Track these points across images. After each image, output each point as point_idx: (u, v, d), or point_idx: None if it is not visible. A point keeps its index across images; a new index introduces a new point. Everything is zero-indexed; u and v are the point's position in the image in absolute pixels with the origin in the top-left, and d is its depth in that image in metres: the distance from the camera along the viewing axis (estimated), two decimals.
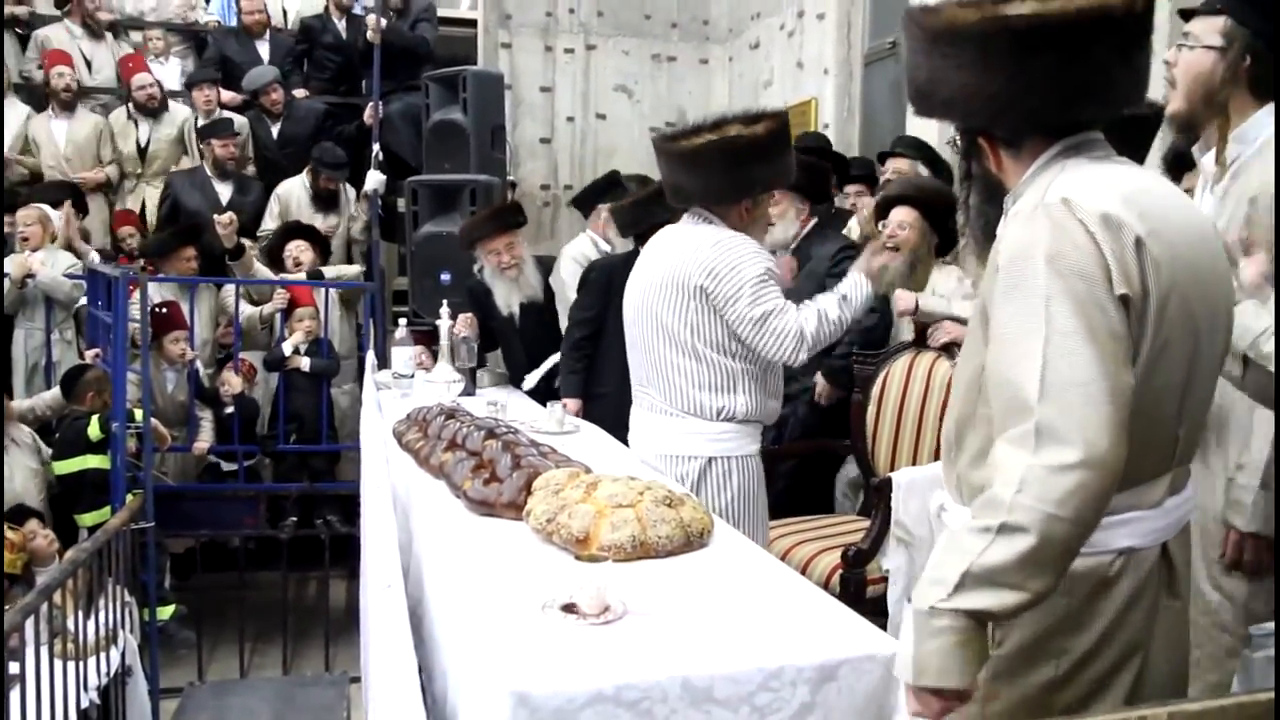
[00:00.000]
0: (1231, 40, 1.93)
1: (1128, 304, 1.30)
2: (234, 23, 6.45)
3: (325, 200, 5.65)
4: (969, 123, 1.47)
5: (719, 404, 2.54)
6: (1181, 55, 1.98)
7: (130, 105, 5.82)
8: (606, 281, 3.56)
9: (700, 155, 2.46)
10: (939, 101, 1.44)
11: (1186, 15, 2.04)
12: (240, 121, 5.93)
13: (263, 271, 5.24)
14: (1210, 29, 1.95)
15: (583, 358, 3.61)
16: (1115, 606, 1.39)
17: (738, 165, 2.47)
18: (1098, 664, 1.40)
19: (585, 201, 5.38)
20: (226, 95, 6.03)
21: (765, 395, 2.60)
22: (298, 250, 5.24)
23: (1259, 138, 1.93)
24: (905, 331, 3.55)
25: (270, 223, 5.63)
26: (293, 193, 5.67)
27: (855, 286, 2.57)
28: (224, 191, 5.63)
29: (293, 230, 5.35)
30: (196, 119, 5.89)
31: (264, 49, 6.28)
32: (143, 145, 5.84)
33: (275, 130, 6.00)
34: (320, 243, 5.39)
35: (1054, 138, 1.42)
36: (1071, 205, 1.31)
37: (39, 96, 5.85)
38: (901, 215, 3.42)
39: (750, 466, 2.61)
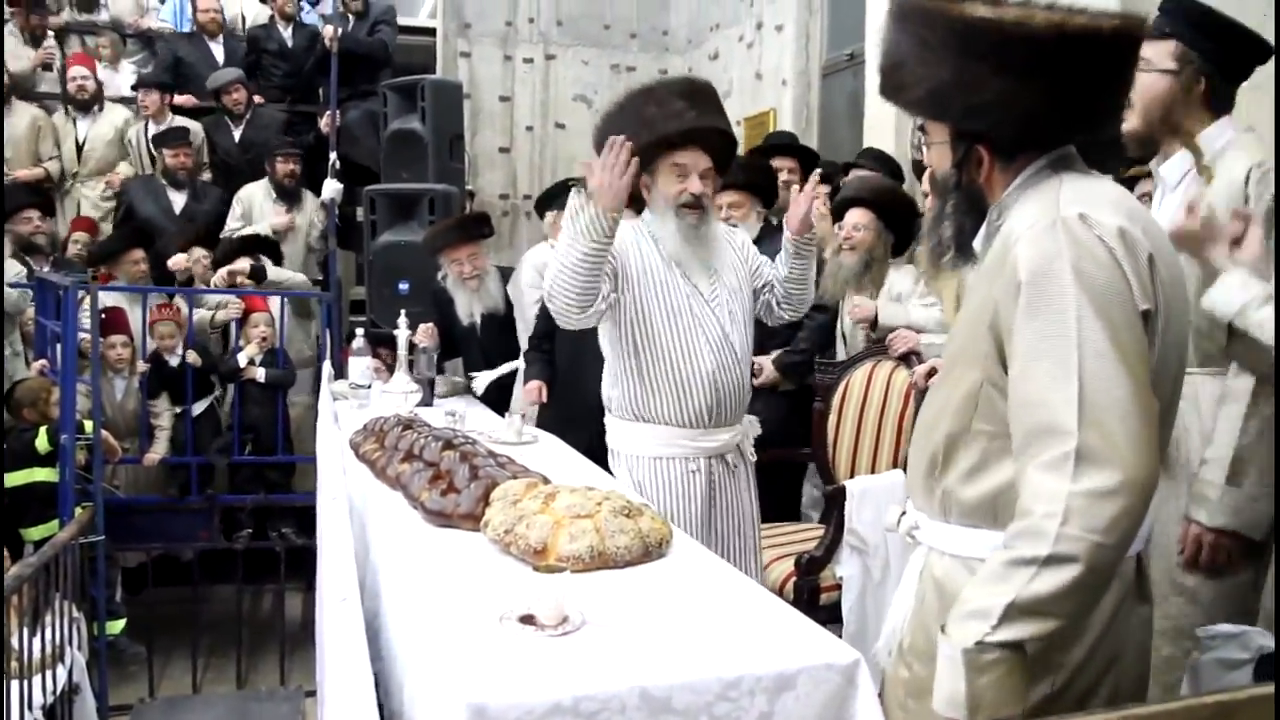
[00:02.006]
0: (1184, 65, 2.03)
1: (1148, 319, 1.31)
2: (186, 28, 6.38)
3: (288, 194, 5.57)
4: (981, 127, 1.42)
5: (606, 395, 2.66)
6: (1137, 78, 2.04)
7: (65, 99, 5.75)
8: None
9: None
10: (964, 105, 1.39)
11: None
12: (195, 129, 5.85)
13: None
14: (1163, 53, 2.04)
15: (543, 351, 3.65)
16: (1103, 618, 1.39)
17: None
18: (1085, 675, 1.40)
19: (540, 207, 5.37)
20: (181, 99, 5.95)
21: (644, 389, 2.52)
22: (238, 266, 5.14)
23: (1220, 140, 2.04)
24: (856, 337, 3.58)
25: (233, 224, 5.56)
26: (255, 194, 5.61)
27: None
28: (178, 200, 5.57)
29: (251, 243, 5.27)
30: (147, 124, 5.81)
31: (218, 51, 6.22)
32: (80, 143, 5.75)
33: (237, 134, 5.93)
34: (276, 256, 5.32)
35: (1044, 151, 1.43)
36: (1090, 221, 1.31)
37: None
38: (857, 217, 3.48)
39: (645, 465, 2.55)
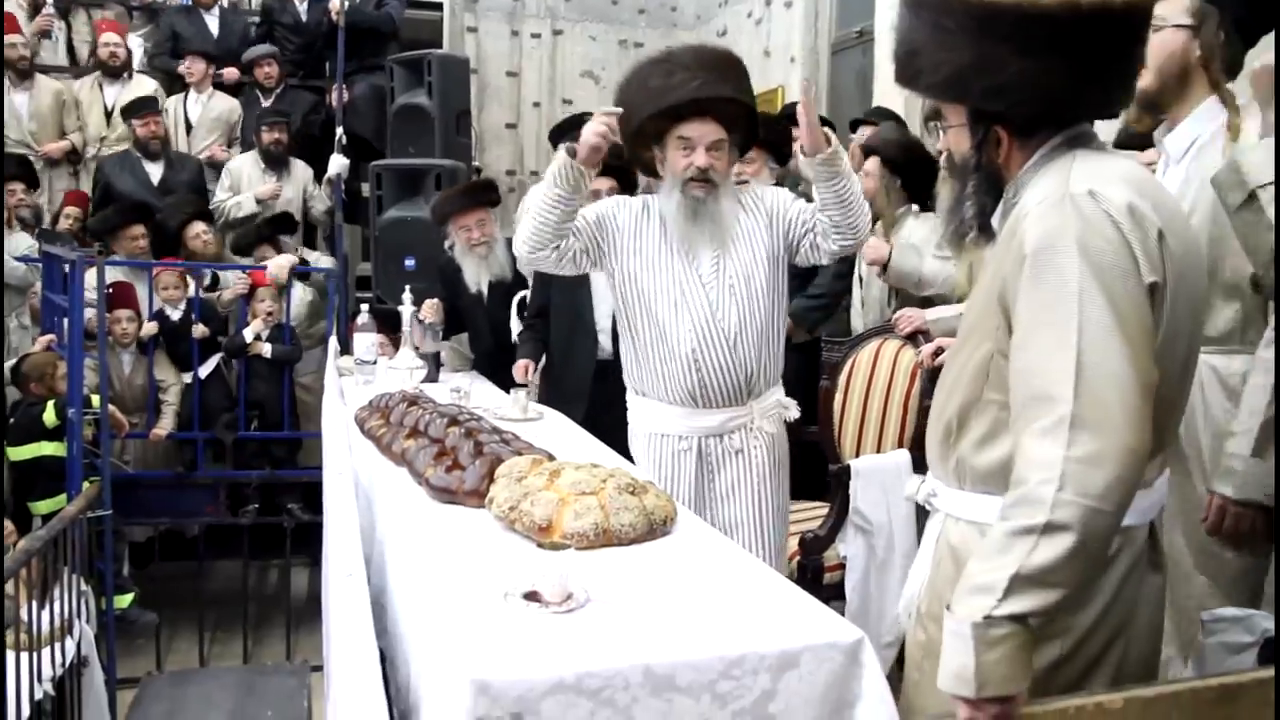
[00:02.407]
0: (1202, 19, 1.98)
1: (1155, 292, 1.33)
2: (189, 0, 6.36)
3: (276, 161, 5.54)
4: (1000, 107, 1.44)
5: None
6: (1151, 36, 2.01)
7: (96, 66, 5.73)
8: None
9: None
10: (984, 87, 1.41)
11: None
12: (232, 105, 5.86)
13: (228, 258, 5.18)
14: (1177, 8, 1.99)
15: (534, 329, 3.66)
16: (1113, 583, 1.42)
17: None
18: (1095, 640, 1.43)
19: (554, 138, 5.29)
20: (225, 70, 5.96)
21: (638, 365, 2.57)
22: (202, 232, 5.15)
23: (1216, 119, 1.99)
24: (872, 287, 3.57)
25: (221, 194, 5.53)
26: (243, 165, 5.58)
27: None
28: (154, 172, 5.49)
29: (273, 224, 5.26)
30: (187, 93, 5.83)
31: (213, 24, 6.18)
32: (108, 109, 5.72)
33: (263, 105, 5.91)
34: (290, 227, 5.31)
35: (1060, 128, 1.45)
36: (1098, 197, 1.33)
37: None
38: (867, 165, 3.48)
39: (641, 440, 2.60)
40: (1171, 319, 1.38)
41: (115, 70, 5.73)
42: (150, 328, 4.76)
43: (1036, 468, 1.26)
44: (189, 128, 5.85)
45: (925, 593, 1.58)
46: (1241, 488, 1.93)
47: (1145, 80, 2.01)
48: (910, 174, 3.47)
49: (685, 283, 2.49)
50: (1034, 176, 1.44)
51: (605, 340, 3.42)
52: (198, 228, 5.17)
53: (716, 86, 2.42)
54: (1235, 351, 2.04)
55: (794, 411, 2.62)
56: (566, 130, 4.61)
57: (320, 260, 5.39)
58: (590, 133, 2.36)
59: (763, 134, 3.56)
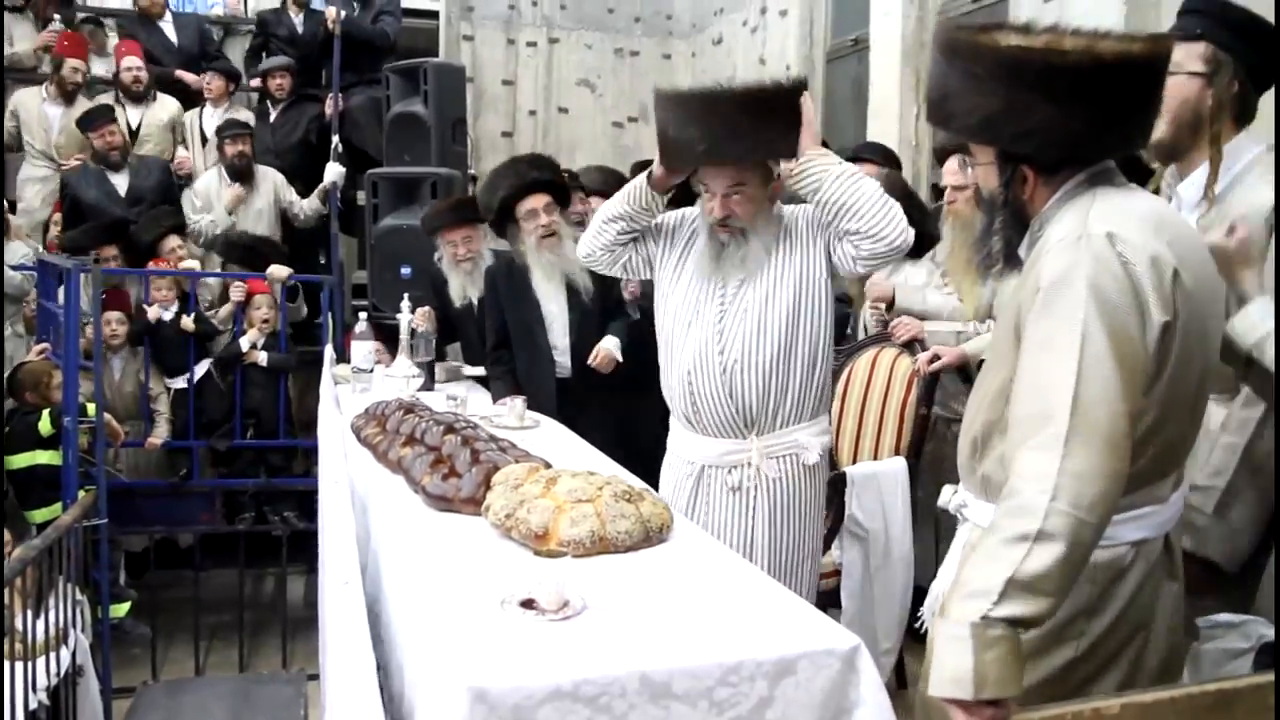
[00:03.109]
0: (1216, 67, 1.96)
1: (1167, 331, 1.42)
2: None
3: (240, 174, 5.48)
4: (1027, 150, 1.53)
5: None
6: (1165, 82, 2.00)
7: (118, 90, 5.72)
8: (491, 284, 3.60)
9: None
10: (1013, 131, 1.50)
11: None
12: (246, 118, 5.84)
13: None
14: (1191, 55, 1.96)
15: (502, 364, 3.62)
16: (1128, 591, 1.51)
17: None
18: (1110, 643, 1.52)
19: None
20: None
21: (662, 377, 2.53)
22: (178, 246, 5.12)
23: (1236, 164, 1.96)
24: (869, 323, 3.58)
25: (194, 216, 5.46)
26: (209, 184, 5.52)
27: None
28: (120, 182, 5.42)
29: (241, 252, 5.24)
30: (201, 110, 5.84)
31: (169, 30, 6.18)
32: (133, 128, 5.72)
33: (272, 116, 5.91)
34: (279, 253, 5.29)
35: (1083, 167, 1.54)
36: (1114, 239, 1.42)
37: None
38: None
39: (671, 459, 2.55)
40: (1183, 349, 1.45)
41: (138, 95, 5.72)
42: (156, 312, 4.75)
43: (1031, 479, 1.33)
44: (204, 140, 5.84)
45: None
46: (1200, 543, 1.95)
47: (1160, 130, 1.98)
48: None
49: (701, 304, 2.40)
50: (1057, 212, 1.53)
51: (563, 359, 3.43)
52: (173, 242, 5.13)
53: (721, 150, 2.27)
54: (1220, 400, 2.01)
55: (812, 455, 2.39)
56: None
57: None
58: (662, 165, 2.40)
59: None
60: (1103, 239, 1.42)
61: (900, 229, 2.24)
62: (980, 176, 1.64)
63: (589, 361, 3.32)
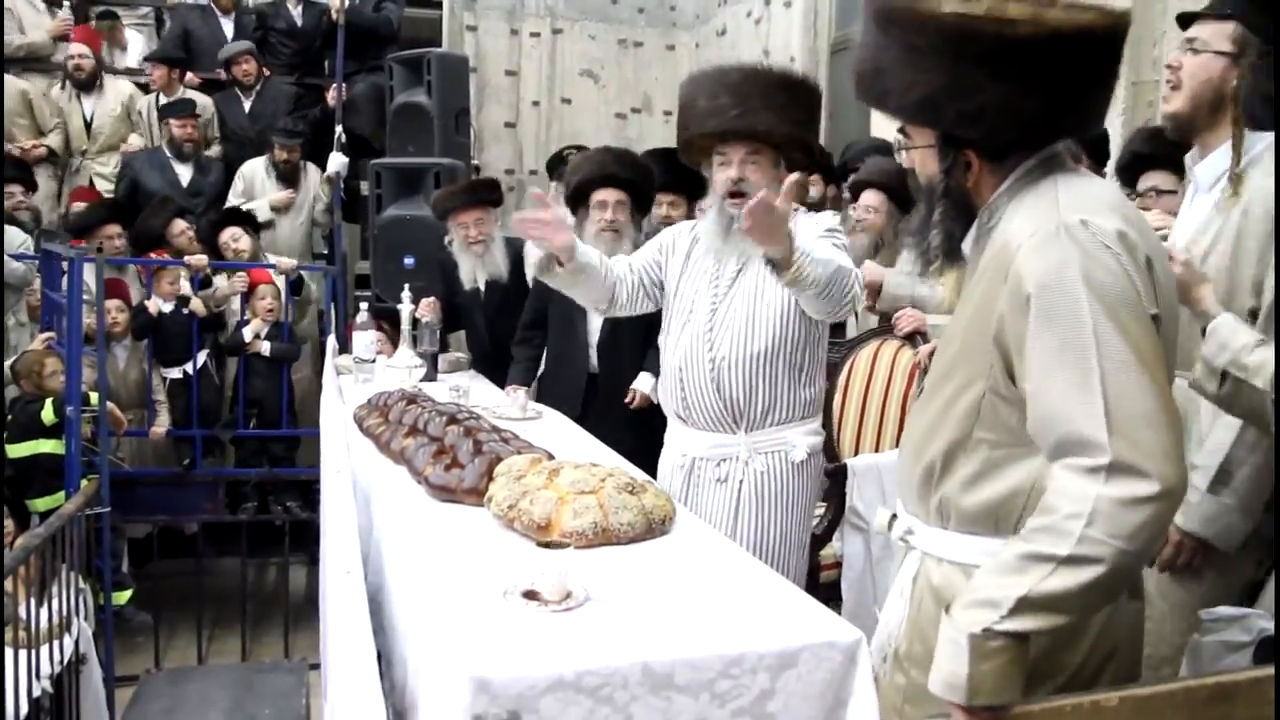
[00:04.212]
0: (1243, 47, 1.92)
1: (1156, 324, 1.30)
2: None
3: (286, 176, 5.56)
4: (974, 134, 1.39)
5: None
6: (1187, 59, 1.97)
7: (64, 77, 5.73)
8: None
9: None
10: (957, 112, 1.36)
11: (1185, 22, 2.01)
12: (203, 102, 5.82)
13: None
14: (1219, 35, 1.94)
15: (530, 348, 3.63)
16: (1101, 618, 1.40)
17: None
18: (1084, 674, 1.42)
19: (550, 172, 5.31)
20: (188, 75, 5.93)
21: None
22: (233, 238, 5.11)
23: (1253, 149, 1.94)
24: (867, 319, 3.58)
25: (234, 199, 5.54)
26: (256, 171, 5.59)
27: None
28: (184, 173, 5.54)
29: (227, 216, 5.23)
30: (157, 97, 5.79)
31: (228, 27, 6.18)
32: (87, 119, 5.72)
33: (247, 106, 5.90)
34: (256, 229, 5.29)
35: (1032, 152, 1.41)
36: (1092, 227, 1.29)
37: None
38: (871, 199, 3.48)
39: (667, 451, 2.56)
40: (1164, 346, 1.35)
41: (84, 82, 5.69)
42: (155, 305, 4.75)
43: (1068, 500, 1.23)
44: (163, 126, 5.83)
45: (905, 634, 1.54)
46: (1190, 520, 1.94)
47: (1177, 104, 1.98)
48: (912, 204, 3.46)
49: (697, 300, 2.44)
50: (1012, 201, 1.40)
51: (594, 355, 3.42)
52: (179, 225, 5.14)
53: (753, 117, 2.31)
54: None
55: (799, 453, 2.42)
56: (554, 166, 4.60)
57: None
58: (532, 247, 2.38)
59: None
60: (1080, 227, 1.29)
61: (848, 307, 2.29)
62: (917, 161, 1.48)
63: (626, 400, 3.30)
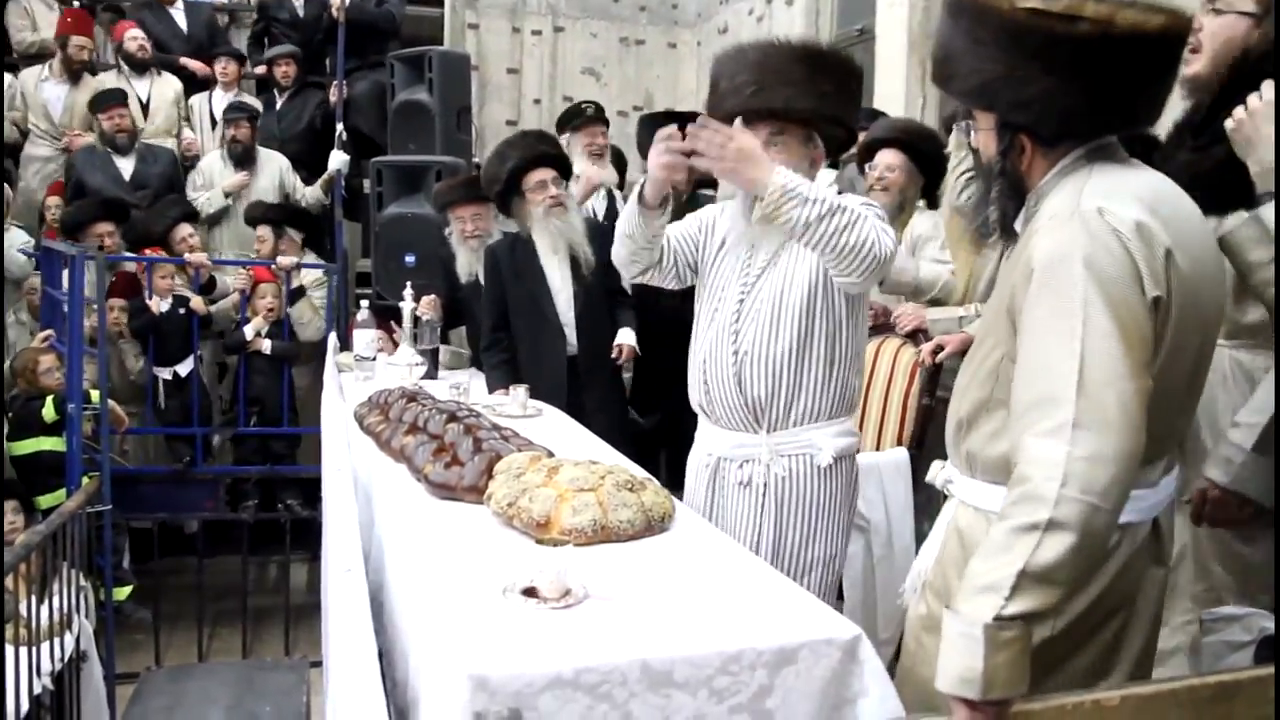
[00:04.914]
0: (1267, 8, 1.90)
1: (1158, 306, 1.38)
2: None
3: (239, 159, 5.53)
4: (1025, 121, 1.49)
5: None
6: (1208, 20, 1.96)
7: (120, 62, 5.74)
8: (493, 261, 3.60)
9: None
10: (1010, 100, 1.46)
11: None
12: (254, 105, 5.84)
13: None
14: None
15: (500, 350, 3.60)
16: (1110, 574, 1.48)
17: None
18: (1084, 625, 1.50)
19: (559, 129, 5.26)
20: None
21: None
22: (187, 235, 5.11)
23: None
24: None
25: (193, 194, 5.52)
26: (212, 164, 5.59)
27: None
28: (125, 166, 5.43)
29: (266, 212, 5.24)
30: (210, 93, 5.88)
31: (180, 18, 6.19)
32: (144, 101, 5.73)
33: (278, 106, 5.94)
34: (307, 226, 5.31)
35: (1083, 141, 1.50)
36: (1106, 214, 1.38)
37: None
38: (889, 158, 3.37)
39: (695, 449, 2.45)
40: (1177, 333, 1.42)
41: (144, 64, 5.72)
42: (155, 304, 4.75)
43: (1039, 465, 1.30)
44: (214, 124, 5.86)
45: (933, 568, 1.68)
46: (1233, 478, 1.93)
47: (1198, 65, 1.97)
48: (931, 165, 3.40)
49: (727, 291, 2.29)
50: (1054, 187, 1.49)
51: (571, 335, 3.41)
52: (184, 230, 5.12)
53: (770, 94, 2.19)
54: (1260, 347, 2.04)
55: (824, 456, 2.24)
56: (566, 122, 4.61)
57: (309, 257, 5.40)
58: (655, 166, 2.14)
59: None
60: (1094, 214, 1.38)
61: (870, 262, 2.02)
62: (981, 142, 1.60)
63: (614, 357, 3.31)
